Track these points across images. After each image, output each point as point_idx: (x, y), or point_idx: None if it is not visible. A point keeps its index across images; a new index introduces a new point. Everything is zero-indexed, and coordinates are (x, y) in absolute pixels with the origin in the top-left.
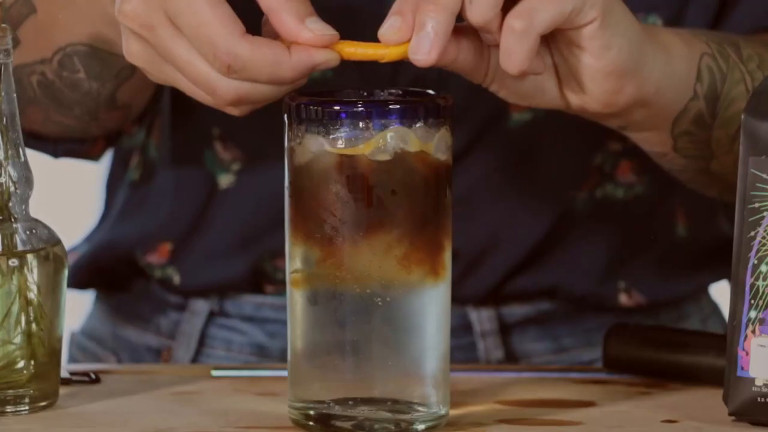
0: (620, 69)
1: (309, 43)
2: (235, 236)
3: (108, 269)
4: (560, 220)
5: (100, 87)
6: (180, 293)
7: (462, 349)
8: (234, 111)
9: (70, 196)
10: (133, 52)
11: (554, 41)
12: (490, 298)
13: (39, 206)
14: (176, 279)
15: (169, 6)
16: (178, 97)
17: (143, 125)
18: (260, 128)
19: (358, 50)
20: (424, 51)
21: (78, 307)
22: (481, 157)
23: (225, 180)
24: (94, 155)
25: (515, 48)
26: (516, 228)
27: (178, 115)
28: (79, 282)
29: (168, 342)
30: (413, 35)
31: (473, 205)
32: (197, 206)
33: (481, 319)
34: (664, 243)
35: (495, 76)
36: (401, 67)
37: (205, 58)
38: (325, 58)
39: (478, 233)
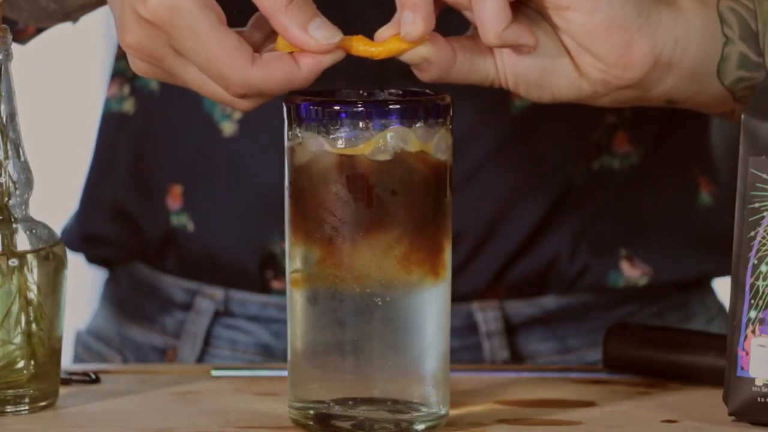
0: (620, 21)
1: (316, 52)
2: (245, 189)
3: (122, 210)
4: (560, 198)
5: (57, 8)
6: (189, 274)
7: (467, 349)
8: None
9: (70, 196)
10: (140, 69)
11: (545, 13)
12: (491, 286)
13: (39, 206)
14: (190, 227)
15: (174, 42)
16: None
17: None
18: None
19: (359, 46)
20: (410, 21)
21: (83, 307)
22: (483, 142)
23: (228, 128)
24: (22, 39)
25: (485, 9)
26: (517, 209)
27: None
28: (100, 232)
29: (173, 342)
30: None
31: (474, 189)
32: (200, 151)
33: (487, 319)
34: (669, 214)
35: (507, 72)
36: (390, 62)
37: (219, 85)
38: (332, 60)
39: (479, 217)
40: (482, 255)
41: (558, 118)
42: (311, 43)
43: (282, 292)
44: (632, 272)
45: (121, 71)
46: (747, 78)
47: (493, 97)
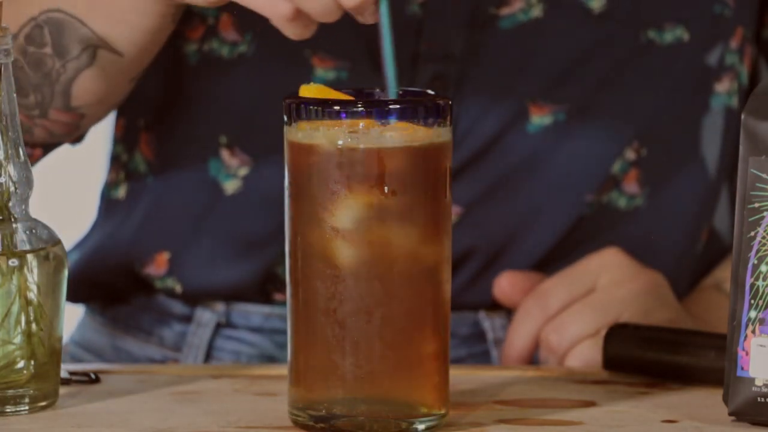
0: None
1: None
2: (242, 240)
3: (104, 282)
4: (574, 225)
5: (61, 68)
6: (185, 300)
7: (476, 357)
8: (291, 29)
9: (70, 196)
10: None
11: None
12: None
13: (39, 206)
14: (178, 288)
15: None
16: (181, 108)
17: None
18: (270, 131)
19: None
20: None
21: (67, 316)
22: (499, 159)
23: (231, 186)
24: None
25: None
26: (529, 230)
27: (181, 127)
28: (71, 295)
29: (173, 354)
30: None
31: (488, 206)
32: (197, 214)
33: (495, 326)
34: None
35: None
36: (420, 66)
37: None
38: None
39: (492, 235)
40: (492, 272)
41: (575, 143)
42: None
43: (284, 303)
44: None
45: (116, 156)
46: None
47: (509, 116)
